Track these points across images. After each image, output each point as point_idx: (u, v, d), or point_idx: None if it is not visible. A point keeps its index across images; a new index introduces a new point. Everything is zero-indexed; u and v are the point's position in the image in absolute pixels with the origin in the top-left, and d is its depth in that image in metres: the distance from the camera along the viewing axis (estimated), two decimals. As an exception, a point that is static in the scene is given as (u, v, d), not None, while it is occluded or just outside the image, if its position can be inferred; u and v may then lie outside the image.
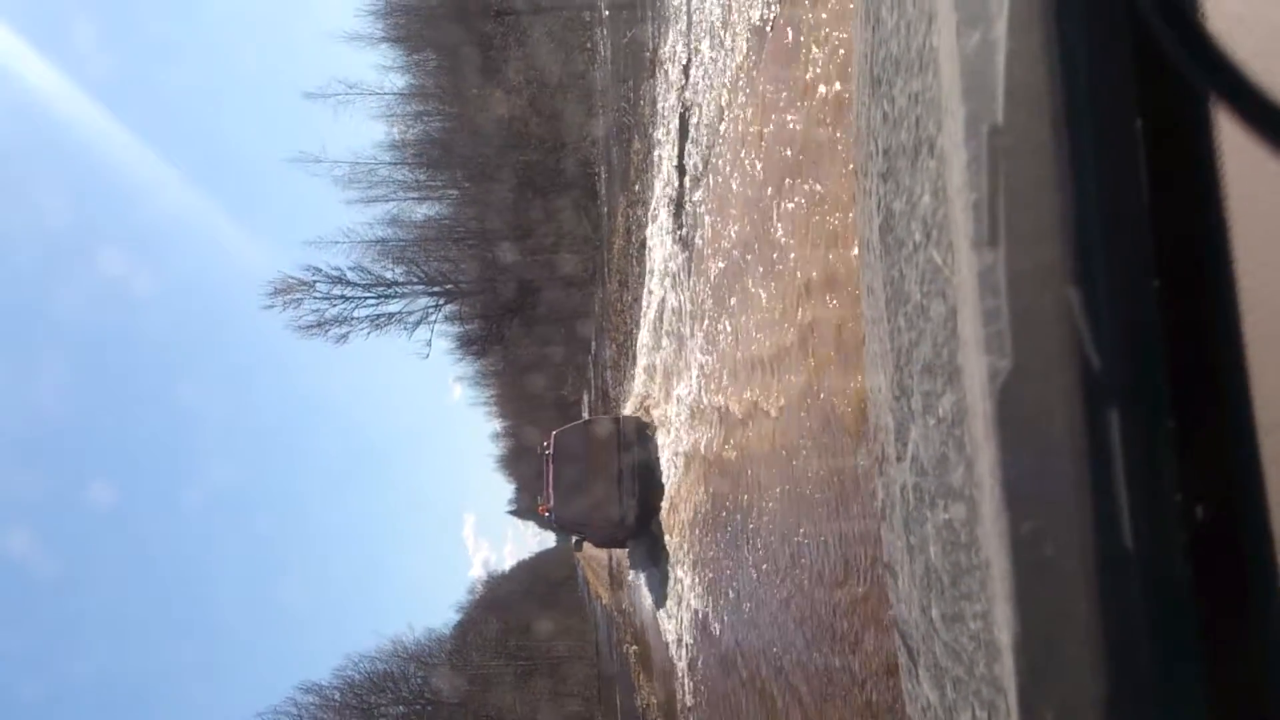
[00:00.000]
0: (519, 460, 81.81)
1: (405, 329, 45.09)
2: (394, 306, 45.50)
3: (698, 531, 15.65)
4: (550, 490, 22.49)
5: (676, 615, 18.35)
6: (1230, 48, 0.77)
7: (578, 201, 41.31)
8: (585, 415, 43.61)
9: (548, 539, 38.44)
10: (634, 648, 27.77)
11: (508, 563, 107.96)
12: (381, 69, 45.39)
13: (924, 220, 1.10)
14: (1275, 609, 0.79)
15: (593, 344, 45.97)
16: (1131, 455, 0.81)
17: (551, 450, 21.96)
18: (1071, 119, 0.85)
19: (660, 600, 20.80)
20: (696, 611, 15.73)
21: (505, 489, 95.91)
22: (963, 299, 0.95)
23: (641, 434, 20.92)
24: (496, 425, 76.55)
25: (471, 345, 46.97)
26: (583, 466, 21.36)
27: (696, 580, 16.17)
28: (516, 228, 43.38)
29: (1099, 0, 0.86)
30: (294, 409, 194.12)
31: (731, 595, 12.29)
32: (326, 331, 44.56)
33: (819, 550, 7.34)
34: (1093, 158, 0.85)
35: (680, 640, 17.10)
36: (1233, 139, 0.81)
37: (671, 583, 19.17)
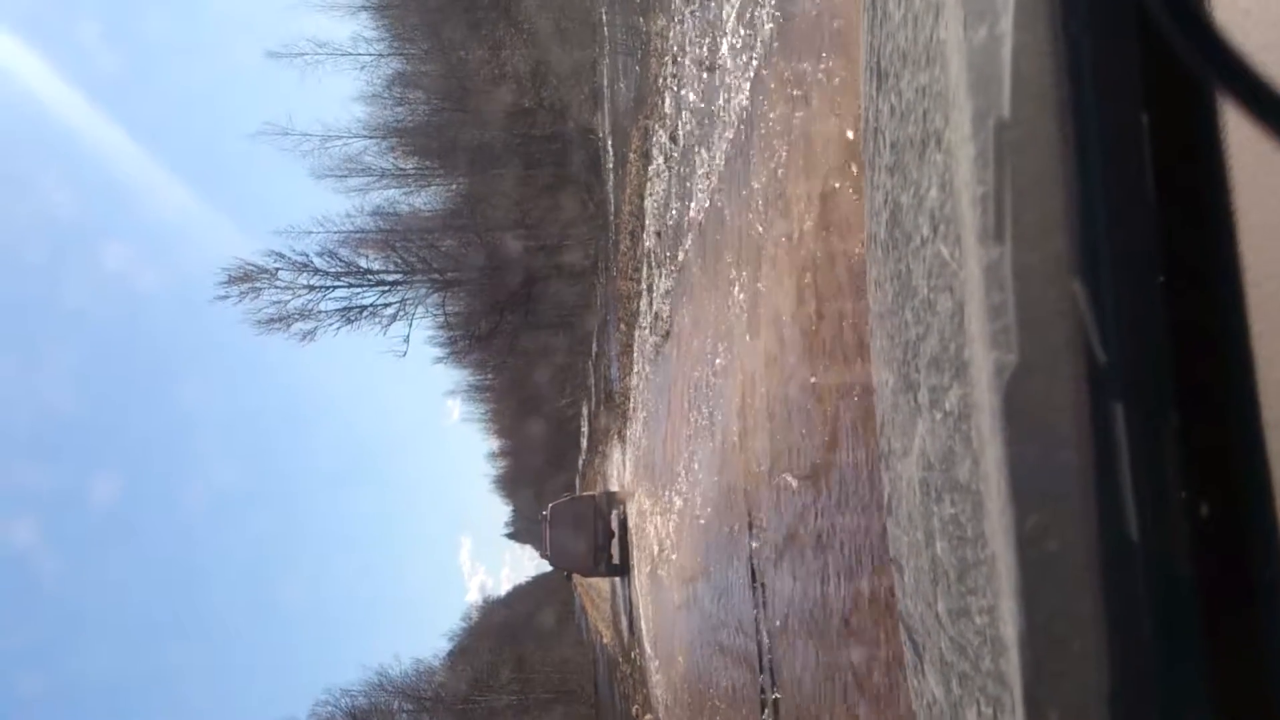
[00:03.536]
0: (517, 480, 73.31)
1: (380, 324, 40.02)
2: (368, 298, 39.91)
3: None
4: (548, 544, 32.56)
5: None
6: (1237, 41, 0.77)
7: (579, 176, 37.06)
8: (584, 428, 50.19)
9: (546, 563, 40.48)
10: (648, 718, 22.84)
11: (505, 587, 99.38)
12: (362, 40, 39.77)
13: (931, 214, 1.08)
14: (1279, 605, 0.80)
15: (594, 344, 43.13)
16: (1137, 450, 0.80)
17: (549, 516, 31.89)
18: (1078, 113, 0.84)
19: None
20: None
21: (503, 510, 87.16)
22: (969, 293, 0.95)
23: (612, 502, 30.61)
24: (493, 444, 67.85)
25: (459, 344, 38.32)
26: (570, 527, 30.79)
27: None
28: (510, 208, 39.65)
29: None
30: (278, 421, 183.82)
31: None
32: (289, 326, 38.69)
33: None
34: (1099, 152, 0.84)
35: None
36: (1239, 133, 0.81)
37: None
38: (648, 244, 21.11)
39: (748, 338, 10.97)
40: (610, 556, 30.10)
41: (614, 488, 32.34)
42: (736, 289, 11.58)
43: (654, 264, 20.04)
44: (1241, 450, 0.81)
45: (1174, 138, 0.85)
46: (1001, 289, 0.87)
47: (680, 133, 16.17)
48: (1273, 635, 0.80)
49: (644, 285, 21.64)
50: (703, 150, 13.81)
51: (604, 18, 29.65)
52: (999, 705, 0.95)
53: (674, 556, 17.96)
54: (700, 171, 14.18)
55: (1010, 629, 0.88)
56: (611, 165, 31.21)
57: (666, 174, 17.93)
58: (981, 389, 0.92)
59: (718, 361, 13.01)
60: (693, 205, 14.82)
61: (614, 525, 29.96)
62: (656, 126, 19.19)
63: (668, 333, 18.26)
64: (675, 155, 16.77)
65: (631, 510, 26.44)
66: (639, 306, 22.99)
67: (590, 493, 35.22)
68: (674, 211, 16.99)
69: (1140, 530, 0.79)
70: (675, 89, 16.62)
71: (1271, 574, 0.79)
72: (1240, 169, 0.82)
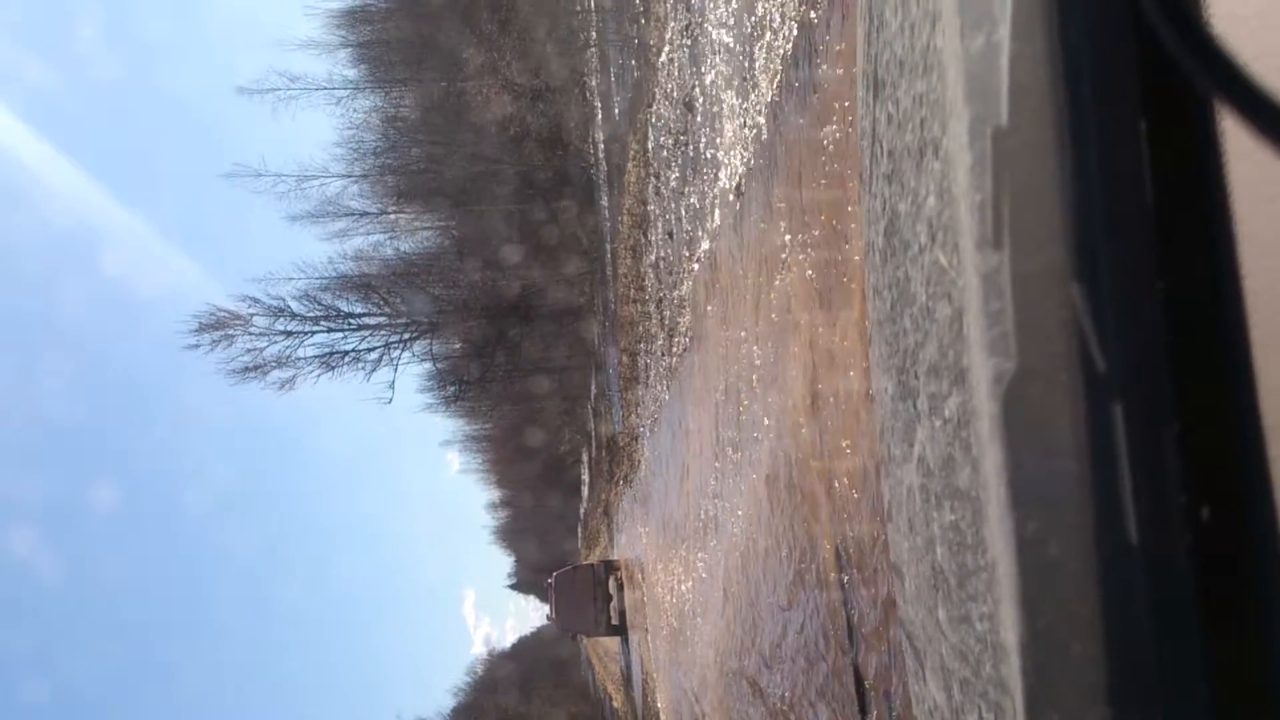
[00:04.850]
0: (518, 531, 69.26)
1: (363, 370, 35.14)
2: (350, 343, 35.34)
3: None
4: (553, 607, 35.70)
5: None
6: (1234, 49, 0.76)
7: (572, 208, 32.73)
8: (585, 477, 49.35)
9: (550, 616, 41.19)
10: None
11: (510, 638, 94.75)
12: (338, 75, 36.59)
13: (929, 222, 1.05)
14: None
15: (593, 384, 39.87)
16: (1136, 455, 0.79)
17: (554, 583, 35.10)
18: (1075, 121, 0.83)
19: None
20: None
21: (505, 562, 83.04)
22: (968, 300, 0.93)
23: (609, 569, 33.17)
24: (492, 494, 63.58)
25: (448, 390, 34.50)
26: (572, 593, 33.82)
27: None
28: (500, 245, 34.53)
29: (1103, 2, 0.84)
30: (279, 475, 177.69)
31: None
32: (265, 375, 33.98)
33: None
34: (1097, 159, 0.82)
35: None
36: (1237, 140, 0.80)
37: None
38: (654, 254, 17.31)
39: (819, 303, 6.78)
40: (609, 618, 33.23)
41: (614, 551, 35.51)
42: (794, 236, 7.41)
43: (664, 272, 16.17)
44: (1242, 454, 0.80)
45: (1172, 144, 0.83)
46: (1000, 296, 0.86)
47: (699, 94, 12.15)
48: (1274, 638, 0.78)
49: (652, 303, 17.68)
50: (736, 88, 9.75)
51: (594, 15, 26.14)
52: (1000, 711, 0.94)
53: (698, 623, 13.59)
54: (733, 121, 10.18)
55: (1011, 635, 0.87)
56: (605, 183, 27.81)
57: (679, 156, 14.08)
58: (980, 395, 0.90)
59: (756, 364, 8.81)
60: (721, 173, 10.78)
61: (611, 590, 32.99)
62: (662, 107, 15.31)
63: (686, 348, 14.14)
64: (692, 125, 12.78)
65: (643, 570, 24.68)
66: (645, 330, 19.19)
67: (589, 562, 39.58)
68: (692, 199, 13.01)
69: (1140, 535, 0.77)
70: (693, 38, 12.62)
71: (1273, 577, 0.78)
72: (1239, 175, 0.81)
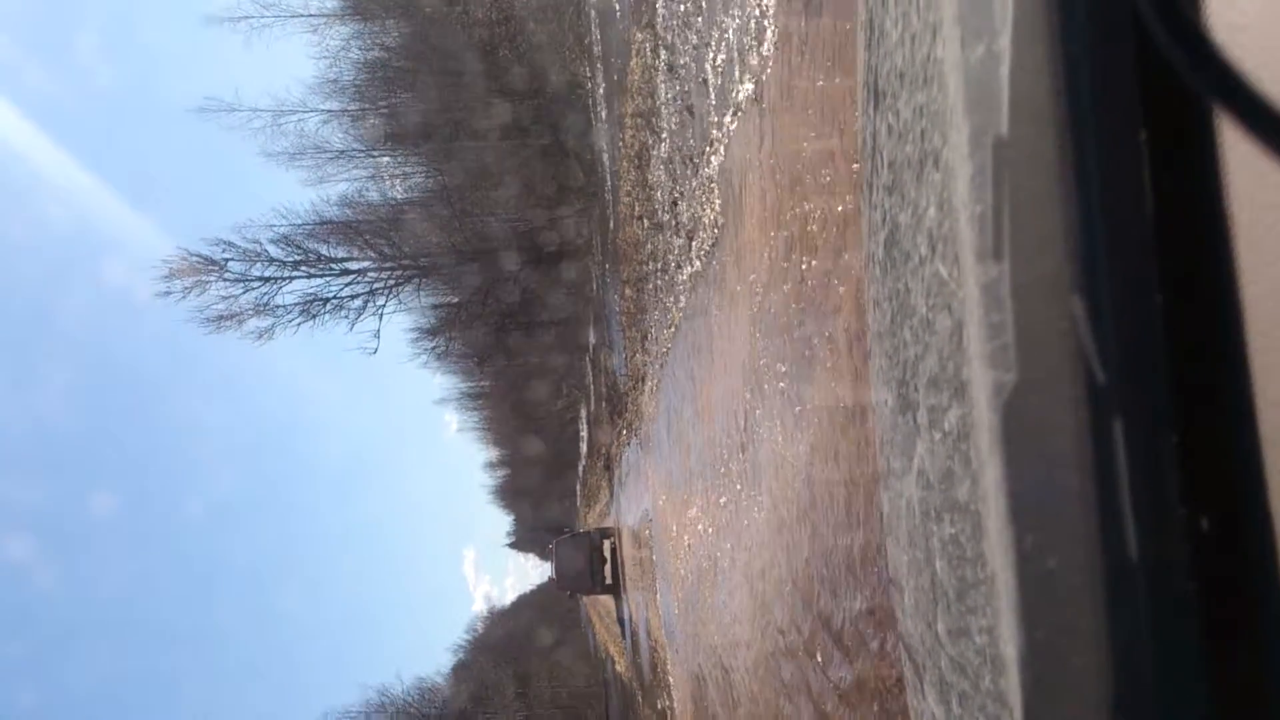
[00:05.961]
0: (516, 489, 66.45)
1: (347, 318, 31.85)
2: (331, 289, 31.96)
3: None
4: (555, 569, 41.39)
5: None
6: (1235, 58, 0.76)
7: (567, 139, 29.12)
8: (583, 432, 49.93)
9: (549, 568, 45.99)
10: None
11: (510, 596, 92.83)
12: (324, 11, 33.20)
13: (929, 233, 1.03)
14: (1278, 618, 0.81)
15: (591, 333, 36.61)
16: (1136, 468, 0.78)
17: (555, 549, 40.51)
18: (1076, 131, 0.81)
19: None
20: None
21: (504, 520, 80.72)
22: (968, 312, 0.91)
23: (605, 535, 37.59)
24: (490, 453, 60.69)
25: (438, 340, 31.25)
26: (570, 557, 38.43)
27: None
28: (491, 183, 31.07)
29: (1103, 12, 0.82)
30: (279, 438, 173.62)
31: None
32: (241, 323, 30.81)
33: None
34: (1097, 170, 0.81)
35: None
36: (1238, 150, 0.79)
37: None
38: (666, 147, 13.84)
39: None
40: (604, 579, 37.59)
41: (614, 508, 37.36)
42: None
43: (680, 162, 12.95)
44: (1241, 466, 0.78)
45: (1173, 155, 0.82)
46: (1000, 308, 0.85)
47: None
48: (1273, 647, 0.77)
49: (664, 210, 14.37)
50: None
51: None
52: None
53: (727, 599, 10.45)
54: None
55: (1010, 648, 0.86)
56: (604, 99, 24.34)
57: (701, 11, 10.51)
58: (980, 408, 0.89)
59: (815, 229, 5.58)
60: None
61: (606, 553, 36.81)
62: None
63: (714, 244, 10.85)
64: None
65: (655, 528, 22.53)
66: (655, 246, 16.09)
67: (586, 529, 44.53)
68: (727, 35, 9.54)
69: (1140, 547, 0.76)
70: None
71: (1272, 587, 0.77)
72: (1239, 185, 0.79)
